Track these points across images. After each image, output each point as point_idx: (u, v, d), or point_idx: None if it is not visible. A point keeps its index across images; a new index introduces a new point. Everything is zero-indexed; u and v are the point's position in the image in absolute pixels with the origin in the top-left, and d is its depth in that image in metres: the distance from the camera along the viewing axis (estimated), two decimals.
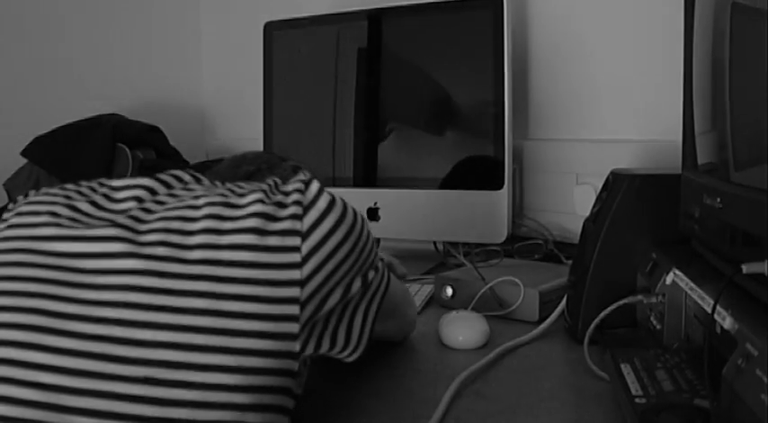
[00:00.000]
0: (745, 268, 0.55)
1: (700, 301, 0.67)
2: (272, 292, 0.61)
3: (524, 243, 1.27)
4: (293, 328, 0.61)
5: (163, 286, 0.60)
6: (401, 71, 1.36)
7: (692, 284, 0.70)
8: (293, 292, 0.61)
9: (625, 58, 1.30)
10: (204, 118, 2.17)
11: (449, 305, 1.07)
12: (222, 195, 0.66)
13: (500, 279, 1.03)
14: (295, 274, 0.62)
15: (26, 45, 1.77)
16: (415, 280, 1.22)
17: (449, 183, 1.28)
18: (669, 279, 0.76)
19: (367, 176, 1.37)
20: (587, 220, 0.95)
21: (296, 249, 0.62)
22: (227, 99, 2.13)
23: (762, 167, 0.57)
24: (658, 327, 0.79)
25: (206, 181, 0.73)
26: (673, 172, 0.88)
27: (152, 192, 0.69)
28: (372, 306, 0.71)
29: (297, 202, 0.64)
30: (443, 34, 1.30)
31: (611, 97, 1.33)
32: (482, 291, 1.02)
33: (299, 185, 0.66)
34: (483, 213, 1.23)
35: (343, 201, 0.67)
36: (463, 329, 0.92)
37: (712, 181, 0.70)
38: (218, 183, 0.72)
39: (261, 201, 0.64)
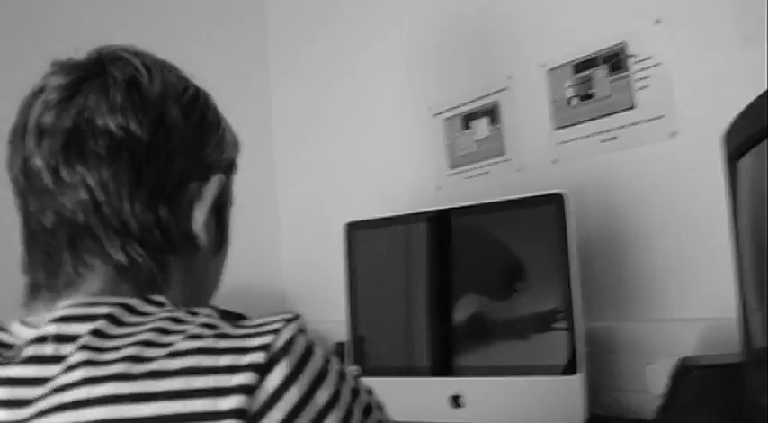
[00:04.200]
0: None
1: None
2: None
3: None
4: None
5: None
6: (470, 262, 1.46)
7: None
8: None
9: (681, 240, 1.38)
10: (285, 302, 2.28)
11: None
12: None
13: None
14: None
15: None
16: None
17: (523, 369, 1.35)
18: None
19: (444, 365, 1.45)
20: (660, 409, 1.00)
21: None
22: (306, 285, 2.24)
23: None
24: None
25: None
26: (735, 359, 0.93)
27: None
28: None
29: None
30: (510, 228, 1.41)
31: (673, 278, 1.40)
32: None
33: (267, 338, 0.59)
34: (559, 398, 1.29)
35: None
36: None
37: (765, 381, 0.76)
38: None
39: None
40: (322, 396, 0.59)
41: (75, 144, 0.69)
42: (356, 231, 1.60)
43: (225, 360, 0.57)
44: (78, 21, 1.95)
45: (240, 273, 2.13)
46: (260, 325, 0.62)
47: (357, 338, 1.56)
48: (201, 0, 2.27)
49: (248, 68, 2.36)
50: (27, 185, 0.71)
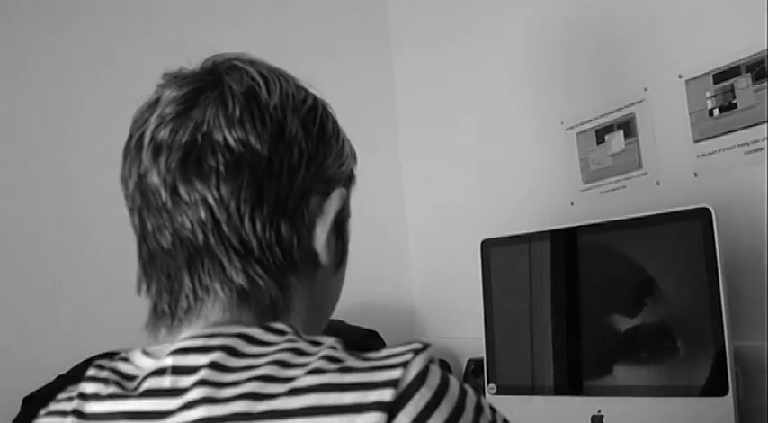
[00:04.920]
0: None
1: None
2: None
3: None
4: None
5: None
6: (610, 279, 1.43)
7: None
8: None
9: None
10: (413, 318, 2.29)
11: None
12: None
13: None
14: None
15: None
16: None
17: (670, 390, 1.30)
18: None
19: (586, 385, 1.41)
20: None
21: None
22: (434, 300, 2.24)
23: None
24: None
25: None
26: None
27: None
28: None
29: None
30: (650, 244, 1.37)
31: None
32: None
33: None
34: (707, 421, 1.24)
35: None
36: None
37: None
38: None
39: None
40: None
41: (193, 160, 0.66)
42: (492, 248, 1.59)
43: (349, 397, 0.54)
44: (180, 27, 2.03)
45: (368, 288, 2.18)
46: (387, 357, 0.58)
47: (493, 356, 1.55)
48: (327, 29, 2.32)
49: (374, 81, 2.39)
50: (143, 203, 0.69)
